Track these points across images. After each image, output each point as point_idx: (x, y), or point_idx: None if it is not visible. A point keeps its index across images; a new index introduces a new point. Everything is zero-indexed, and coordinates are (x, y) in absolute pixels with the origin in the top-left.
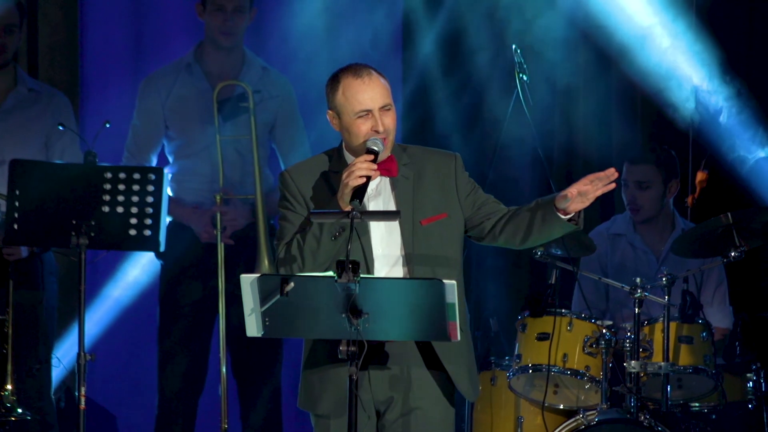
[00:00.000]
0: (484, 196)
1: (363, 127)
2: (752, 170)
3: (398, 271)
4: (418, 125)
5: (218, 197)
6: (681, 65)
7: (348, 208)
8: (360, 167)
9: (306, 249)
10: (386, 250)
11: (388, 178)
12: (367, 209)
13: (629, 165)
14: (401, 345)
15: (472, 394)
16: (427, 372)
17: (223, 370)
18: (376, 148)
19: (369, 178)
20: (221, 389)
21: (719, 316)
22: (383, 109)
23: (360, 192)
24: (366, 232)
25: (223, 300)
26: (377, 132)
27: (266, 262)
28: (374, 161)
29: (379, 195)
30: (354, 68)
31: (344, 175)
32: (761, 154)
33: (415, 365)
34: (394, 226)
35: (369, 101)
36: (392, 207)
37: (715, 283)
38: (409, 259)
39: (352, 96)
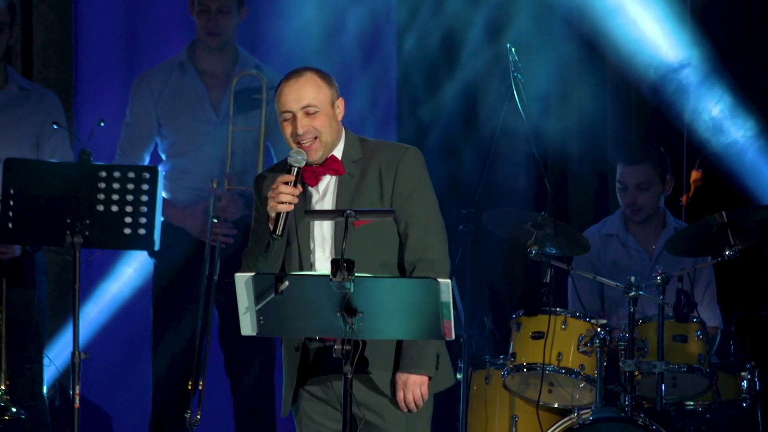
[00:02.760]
0: (409, 224)
1: (287, 130)
2: (738, 159)
3: None
4: (411, 123)
5: (215, 183)
6: (670, 56)
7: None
8: (283, 192)
9: (251, 261)
10: (325, 253)
11: (336, 177)
12: (314, 211)
13: (626, 167)
14: (369, 350)
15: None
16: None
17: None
18: (296, 165)
19: (288, 213)
20: (200, 379)
21: (709, 314)
22: (305, 110)
23: (281, 221)
24: (307, 234)
25: (204, 284)
26: (297, 134)
27: None
28: (296, 180)
29: (326, 195)
30: (290, 72)
31: (269, 195)
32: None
33: (377, 368)
34: (330, 229)
35: (290, 102)
36: (334, 207)
37: (705, 283)
38: None
39: (279, 98)
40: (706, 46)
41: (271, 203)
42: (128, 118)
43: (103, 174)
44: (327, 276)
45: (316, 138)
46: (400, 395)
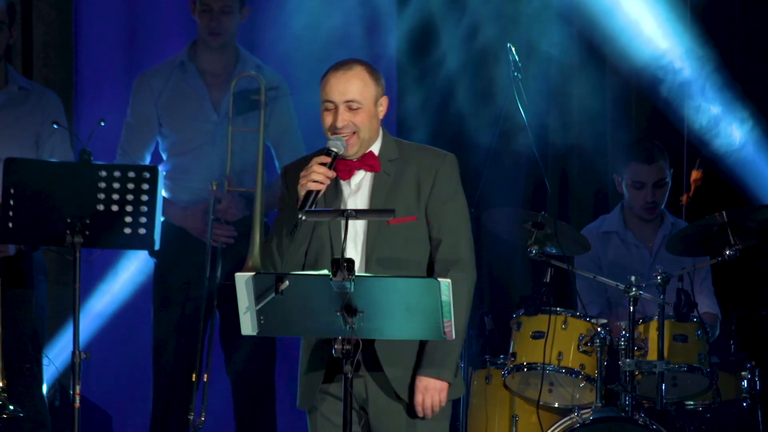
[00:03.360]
0: (442, 231)
1: (327, 120)
2: (737, 160)
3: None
4: (411, 123)
5: (214, 185)
6: (671, 56)
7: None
8: (317, 171)
9: (274, 247)
10: (357, 247)
11: (371, 174)
12: (346, 206)
13: (645, 165)
14: (379, 347)
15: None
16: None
17: (203, 361)
18: (334, 149)
19: (319, 192)
20: (205, 372)
21: (708, 302)
22: (348, 104)
23: (310, 200)
24: (338, 232)
25: (207, 286)
26: (336, 127)
27: (254, 259)
28: (332, 163)
29: (359, 190)
30: (340, 62)
31: (302, 174)
32: (739, 136)
33: (390, 366)
34: (363, 225)
35: (335, 93)
36: (368, 203)
37: (702, 277)
38: (368, 260)
39: (324, 86)
40: (707, 45)
41: (302, 181)
42: (129, 118)
43: (103, 174)
44: (327, 276)
45: (354, 133)
46: (419, 398)
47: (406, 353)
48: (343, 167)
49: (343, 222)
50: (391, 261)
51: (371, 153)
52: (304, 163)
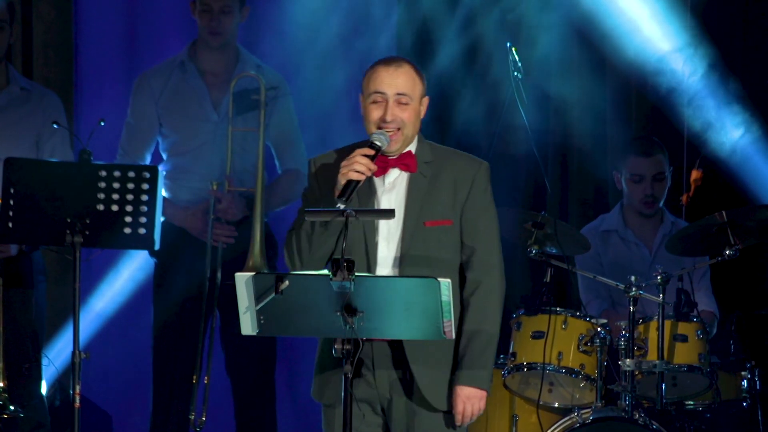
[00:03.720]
0: (476, 239)
1: (374, 113)
2: (734, 153)
3: (393, 272)
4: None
5: (214, 185)
6: (670, 55)
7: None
8: (360, 161)
9: (303, 236)
10: (388, 249)
11: (407, 174)
12: (380, 203)
13: (643, 159)
14: (407, 345)
15: (439, 401)
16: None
17: (203, 362)
18: (378, 143)
19: (359, 183)
20: (204, 379)
21: (706, 300)
22: (398, 97)
23: (350, 189)
24: (372, 230)
25: (207, 287)
26: (384, 121)
27: (255, 259)
28: (374, 157)
29: (394, 189)
30: (387, 57)
31: (343, 163)
32: (737, 134)
33: (423, 367)
34: (398, 224)
35: (386, 85)
36: (404, 202)
37: (700, 274)
38: (402, 260)
39: (373, 78)
40: (706, 45)
41: (343, 170)
42: (129, 118)
43: (103, 173)
44: (327, 275)
45: (399, 129)
46: (459, 407)
47: (438, 354)
48: (378, 163)
49: (346, 221)
50: (424, 261)
51: (409, 152)
52: (332, 156)
